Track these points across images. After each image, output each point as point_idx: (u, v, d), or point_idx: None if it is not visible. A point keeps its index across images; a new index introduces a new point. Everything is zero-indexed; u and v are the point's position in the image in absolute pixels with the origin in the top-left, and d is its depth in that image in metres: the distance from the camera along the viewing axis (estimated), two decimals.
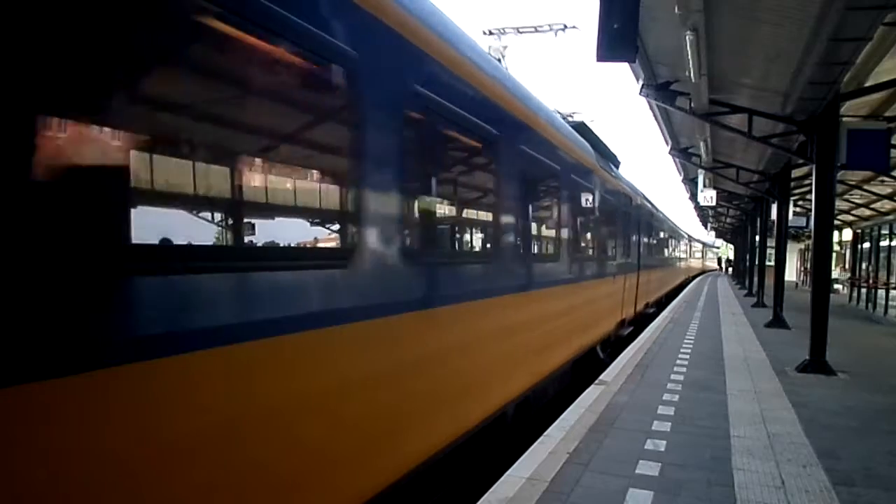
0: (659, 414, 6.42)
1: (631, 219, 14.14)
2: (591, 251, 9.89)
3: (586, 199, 9.33)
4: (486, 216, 5.60)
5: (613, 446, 5.33)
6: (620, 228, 12.63)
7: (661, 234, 23.22)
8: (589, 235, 9.92)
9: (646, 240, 17.22)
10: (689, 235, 45.61)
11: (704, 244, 67.63)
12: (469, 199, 5.44)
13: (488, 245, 5.61)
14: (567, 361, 8.25)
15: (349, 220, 3.20)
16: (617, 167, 13.28)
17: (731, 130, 11.83)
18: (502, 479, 4.48)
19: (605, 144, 11.71)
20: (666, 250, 26.02)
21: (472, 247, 5.58)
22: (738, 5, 7.19)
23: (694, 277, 46.29)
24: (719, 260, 76.20)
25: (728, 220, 41.86)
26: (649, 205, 18.84)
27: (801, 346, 9.97)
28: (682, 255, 37.91)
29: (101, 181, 2.00)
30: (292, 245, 3.04)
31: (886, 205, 21.04)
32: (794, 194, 20.54)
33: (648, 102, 11.73)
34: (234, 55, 2.50)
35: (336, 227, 3.26)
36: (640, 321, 15.86)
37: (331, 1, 3.02)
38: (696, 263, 53.45)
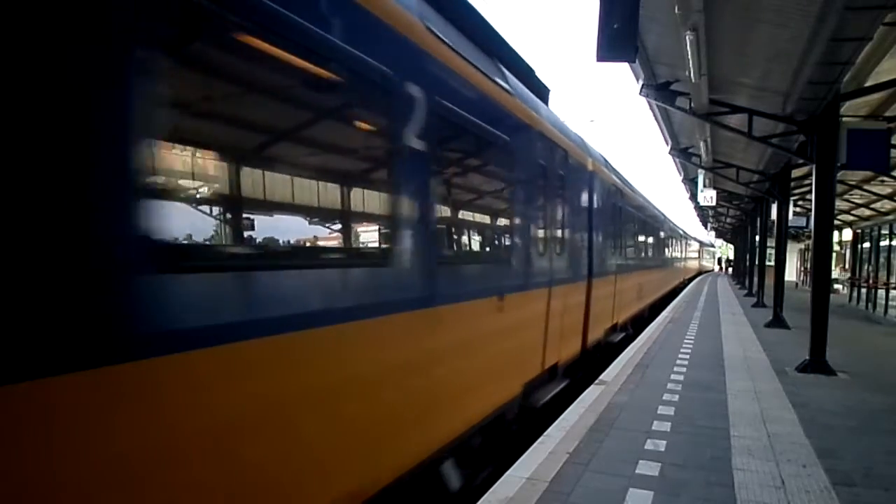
0: (659, 414, 6.42)
1: (573, 194, 8.19)
2: (430, 247, 4.18)
3: (419, 126, 3.90)
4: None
5: (613, 446, 5.32)
6: (545, 208, 6.85)
7: (637, 225, 15.59)
8: (430, 213, 4.14)
9: (606, 232, 10.64)
10: (682, 231, 37.26)
11: (702, 243, 61.15)
12: None
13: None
14: None
15: None
16: (544, 98, 7.55)
17: (731, 130, 11.83)
18: (502, 479, 4.48)
19: (486, 22, 5.65)
20: (644, 248, 17.98)
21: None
22: (738, 5, 7.19)
23: (690, 281, 40.01)
24: (719, 260, 76.14)
25: (728, 220, 41.89)
26: (615, 177, 11.87)
27: (801, 346, 9.97)
28: (672, 256, 29.33)
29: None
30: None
31: (886, 205, 21.06)
32: (794, 194, 20.55)
33: (648, 102, 11.74)
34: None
35: None
36: (601, 351, 10.24)
37: None
38: (690, 265, 44.71)
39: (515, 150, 5.78)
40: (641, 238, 17.03)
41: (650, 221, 19.01)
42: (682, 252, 36.35)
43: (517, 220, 5.89)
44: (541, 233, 6.73)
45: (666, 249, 26.01)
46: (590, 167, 9.32)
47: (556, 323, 7.21)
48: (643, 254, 17.63)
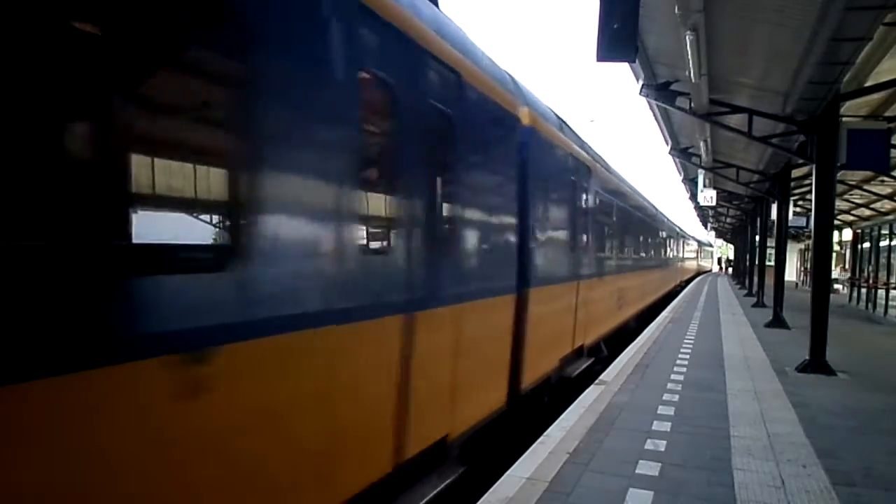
0: (659, 414, 6.41)
1: (475, 154, 4.97)
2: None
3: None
4: None
5: (613, 446, 5.32)
6: (404, 175, 3.75)
7: (616, 216, 12.22)
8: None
9: (561, 222, 7.66)
10: (677, 227, 33.07)
11: (700, 242, 56.93)
12: None
13: None
14: None
15: None
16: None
17: (731, 130, 11.84)
18: (502, 479, 4.48)
19: None
20: (628, 246, 14.62)
21: None
22: (738, 5, 7.20)
23: (687, 283, 36.44)
24: (719, 260, 76.16)
25: (728, 220, 41.91)
26: (576, 146, 8.66)
27: (801, 346, 9.96)
28: (666, 255, 25.15)
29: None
30: None
31: (886, 205, 21.06)
32: (794, 194, 20.56)
33: (648, 102, 11.75)
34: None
35: None
36: (554, 391, 7.47)
37: None
38: (688, 266, 40.33)
39: (295, 37, 2.69)
40: (624, 233, 13.54)
41: (636, 213, 15.33)
42: (677, 251, 31.51)
43: (305, 190, 2.83)
44: (385, 218, 3.69)
45: (658, 247, 21.83)
46: (524, 119, 6.00)
47: (440, 371, 4.30)
48: (626, 252, 14.09)
